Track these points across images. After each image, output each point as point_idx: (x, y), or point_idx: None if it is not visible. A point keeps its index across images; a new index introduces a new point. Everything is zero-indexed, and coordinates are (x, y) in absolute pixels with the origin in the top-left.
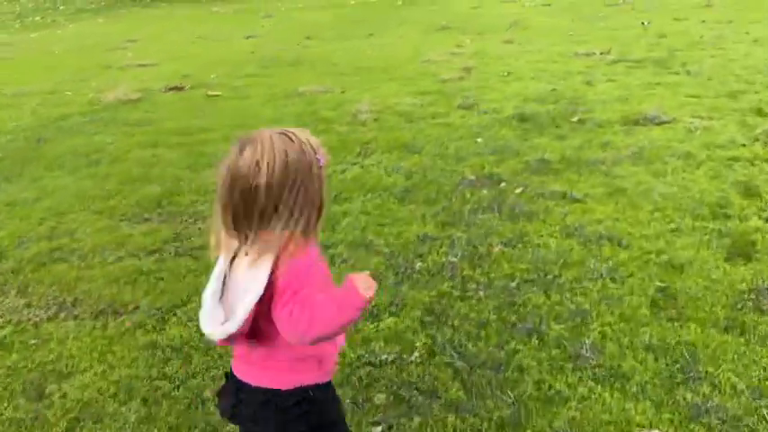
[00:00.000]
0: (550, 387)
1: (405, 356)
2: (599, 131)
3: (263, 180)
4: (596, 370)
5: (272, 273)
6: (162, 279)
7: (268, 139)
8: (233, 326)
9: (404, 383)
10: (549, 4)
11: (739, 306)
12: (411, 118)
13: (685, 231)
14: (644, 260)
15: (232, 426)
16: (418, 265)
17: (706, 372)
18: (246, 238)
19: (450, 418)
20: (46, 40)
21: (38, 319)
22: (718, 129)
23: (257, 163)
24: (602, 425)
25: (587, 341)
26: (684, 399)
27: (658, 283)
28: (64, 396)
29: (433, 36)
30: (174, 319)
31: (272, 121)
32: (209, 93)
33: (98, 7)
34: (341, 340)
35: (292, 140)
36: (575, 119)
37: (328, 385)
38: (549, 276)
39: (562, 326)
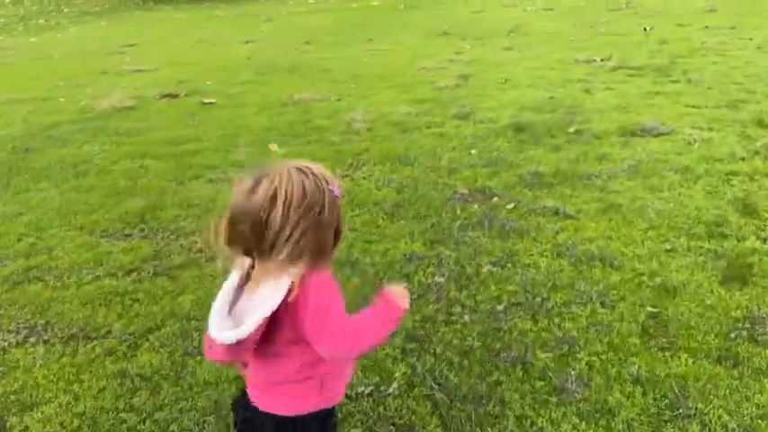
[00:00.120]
0: (533, 424)
1: (382, 388)
2: (595, 143)
3: (279, 212)
4: (581, 405)
5: (288, 294)
6: (137, 301)
7: (286, 173)
8: (240, 333)
9: (380, 418)
10: (552, 9)
11: (733, 335)
12: (405, 127)
13: (680, 251)
14: (636, 283)
15: None
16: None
17: (696, 408)
18: (260, 261)
19: None
20: (46, 45)
21: (6, 344)
22: (718, 141)
23: (274, 196)
24: None
25: (573, 372)
26: None
27: (650, 309)
28: (25, 430)
29: (433, 42)
30: (147, 344)
31: (264, 130)
32: (204, 100)
33: (102, 10)
34: (350, 369)
35: (307, 174)
36: (571, 129)
37: (329, 413)
38: (538, 300)
39: (548, 354)
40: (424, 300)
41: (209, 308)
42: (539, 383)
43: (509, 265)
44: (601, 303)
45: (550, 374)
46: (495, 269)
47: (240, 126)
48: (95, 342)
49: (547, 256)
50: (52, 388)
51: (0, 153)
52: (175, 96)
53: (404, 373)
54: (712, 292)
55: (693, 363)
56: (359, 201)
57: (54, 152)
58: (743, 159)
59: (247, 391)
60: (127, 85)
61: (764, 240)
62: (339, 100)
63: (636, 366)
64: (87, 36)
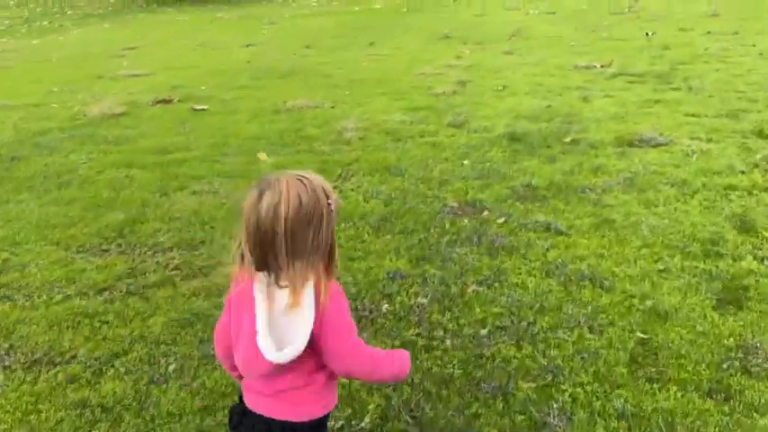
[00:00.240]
0: None
1: (354, 422)
2: (591, 154)
3: (281, 225)
4: None
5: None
6: (106, 323)
7: (285, 184)
8: (295, 351)
9: None
10: (554, 12)
11: (725, 366)
12: (398, 136)
13: (673, 272)
14: (626, 306)
15: None
16: (385, 307)
17: None
18: (277, 276)
19: None
20: (46, 48)
21: None
22: (717, 153)
23: (275, 208)
24: None
25: (556, 406)
26: None
27: (639, 335)
28: None
29: (434, 46)
30: (111, 371)
31: (254, 138)
32: (195, 107)
33: (105, 12)
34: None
35: (305, 185)
36: (567, 139)
37: (325, 420)
38: (524, 323)
39: (531, 384)
40: (405, 323)
41: (180, 330)
42: (519, 417)
43: (496, 284)
44: (589, 328)
45: (532, 408)
46: (481, 289)
47: (230, 134)
48: (59, 368)
49: (535, 276)
50: (8, 419)
51: None
52: (169, 102)
53: (378, 405)
54: (705, 317)
55: (683, 396)
56: (345, 214)
57: (40, 161)
58: (742, 172)
59: (245, 399)
60: (120, 91)
61: (762, 260)
62: (333, 107)
63: (622, 400)
64: (89, 38)
